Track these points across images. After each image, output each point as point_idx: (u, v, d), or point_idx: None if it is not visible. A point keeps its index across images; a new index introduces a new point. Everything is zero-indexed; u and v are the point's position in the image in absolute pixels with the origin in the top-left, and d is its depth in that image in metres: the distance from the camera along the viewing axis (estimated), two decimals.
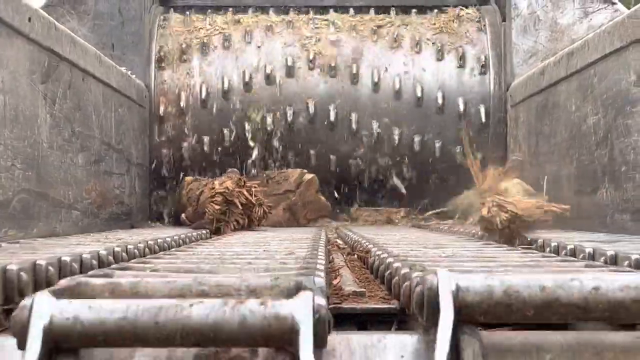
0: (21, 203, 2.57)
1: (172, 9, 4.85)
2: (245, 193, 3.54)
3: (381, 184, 4.61)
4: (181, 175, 4.45)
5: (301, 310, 0.86)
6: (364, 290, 1.60)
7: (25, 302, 0.88)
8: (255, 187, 3.62)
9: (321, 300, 0.89)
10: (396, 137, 4.53)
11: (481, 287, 0.93)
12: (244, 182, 3.62)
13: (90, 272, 1.35)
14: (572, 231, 2.88)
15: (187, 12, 4.79)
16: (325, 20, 4.74)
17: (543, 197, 2.57)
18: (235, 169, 4.06)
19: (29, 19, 2.65)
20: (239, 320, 0.86)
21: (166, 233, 2.87)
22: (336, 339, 0.94)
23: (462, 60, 4.57)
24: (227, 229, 3.44)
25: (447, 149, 4.53)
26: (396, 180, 4.58)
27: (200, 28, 4.67)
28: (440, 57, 4.58)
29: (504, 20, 4.62)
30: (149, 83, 4.54)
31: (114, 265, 1.56)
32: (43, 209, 2.78)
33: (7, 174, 2.47)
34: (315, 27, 4.70)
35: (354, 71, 4.56)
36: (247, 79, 4.55)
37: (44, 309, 0.87)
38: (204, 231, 3.31)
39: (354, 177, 4.61)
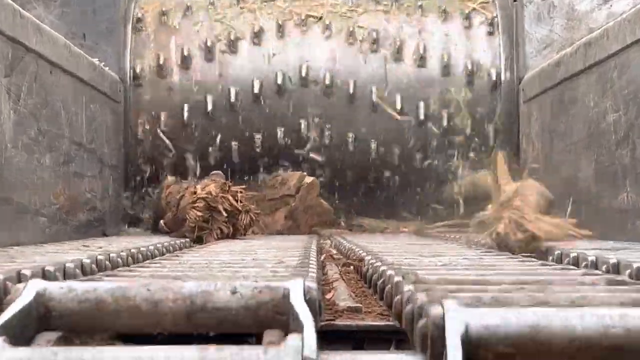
0: None
1: None
2: (230, 199, 3.55)
3: (383, 197, 4.67)
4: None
5: (293, 285, 1.00)
6: (360, 305, 1.62)
7: (19, 285, 1.03)
8: (241, 192, 3.64)
9: (312, 284, 1.01)
10: (396, 157, 4.61)
11: (495, 325, 0.95)
12: (229, 186, 3.63)
13: (77, 279, 1.46)
14: (591, 240, 2.89)
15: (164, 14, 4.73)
16: (320, 18, 4.71)
17: (566, 219, 2.64)
18: (220, 172, 4.06)
19: None
20: (230, 289, 1.01)
21: (148, 241, 2.91)
22: (328, 359, 0.96)
23: (470, 76, 4.62)
24: (210, 238, 3.46)
25: (450, 165, 4.60)
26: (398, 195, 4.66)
27: (179, 45, 4.63)
28: (446, 72, 4.62)
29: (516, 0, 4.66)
30: (124, 76, 4.56)
31: (100, 274, 1.67)
32: (6, 215, 2.77)
33: None
34: (308, 31, 4.68)
35: (351, 90, 4.59)
36: (232, 98, 4.56)
37: (39, 284, 1.02)
38: (184, 240, 3.34)
39: (354, 188, 4.67)
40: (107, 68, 4.20)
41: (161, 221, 3.77)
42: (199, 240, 3.44)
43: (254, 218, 3.66)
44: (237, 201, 3.57)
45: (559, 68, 3.78)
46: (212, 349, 0.90)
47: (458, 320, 0.96)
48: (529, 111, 4.32)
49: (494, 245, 2.64)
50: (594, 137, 3.35)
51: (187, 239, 3.38)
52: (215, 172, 4.07)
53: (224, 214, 3.51)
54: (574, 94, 3.59)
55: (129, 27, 4.65)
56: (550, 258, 2.26)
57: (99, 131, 3.95)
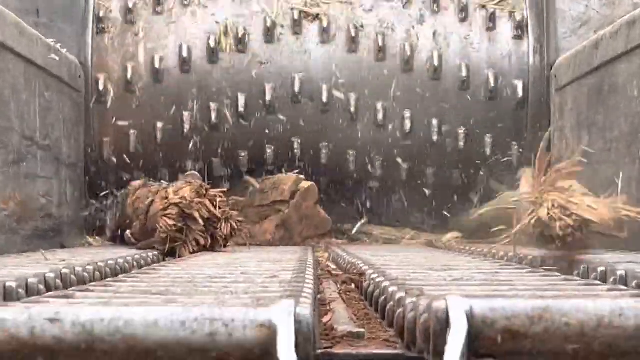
0: None
1: None
2: (208, 204, 3.54)
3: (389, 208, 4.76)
4: None
5: (279, 315, 1.09)
6: (363, 330, 1.61)
7: None
8: (220, 197, 3.63)
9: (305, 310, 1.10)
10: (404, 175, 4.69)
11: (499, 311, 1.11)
12: (207, 189, 3.62)
13: (49, 293, 1.58)
14: (627, 253, 2.94)
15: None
16: (316, 16, 4.69)
17: (619, 199, 2.68)
18: (195, 172, 4.02)
19: None
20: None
21: (117, 254, 2.99)
22: None
23: (492, 92, 4.66)
24: (185, 251, 3.44)
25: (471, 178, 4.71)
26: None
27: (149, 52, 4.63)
28: (465, 86, 4.66)
29: None
30: (85, 59, 4.60)
31: (74, 288, 1.76)
32: None
33: None
34: (301, 35, 4.68)
35: (352, 108, 4.62)
36: (214, 118, 4.57)
37: None
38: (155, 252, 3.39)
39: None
40: (65, 50, 4.22)
41: (127, 232, 3.75)
42: (171, 253, 3.43)
43: (236, 227, 3.65)
44: (215, 207, 3.56)
45: (597, 51, 3.80)
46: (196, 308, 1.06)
47: (461, 307, 1.10)
48: (562, 101, 4.38)
49: (535, 237, 2.68)
50: (638, 132, 3.34)
51: (157, 252, 3.40)
52: (190, 172, 4.02)
53: (201, 222, 3.49)
54: (614, 81, 3.61)
55: (91, 4, 4.68)
56: (576, 273, 2.36)
57: (55, 125, 3.98)
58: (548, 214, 2.52)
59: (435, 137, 4.61)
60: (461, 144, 4.61)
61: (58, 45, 4.07)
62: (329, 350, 1.45)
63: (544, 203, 2.56)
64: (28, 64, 3.57)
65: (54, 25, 4.40)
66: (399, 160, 4.63)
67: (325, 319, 1.78)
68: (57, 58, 3.96)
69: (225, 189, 3.85)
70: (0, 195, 3.27)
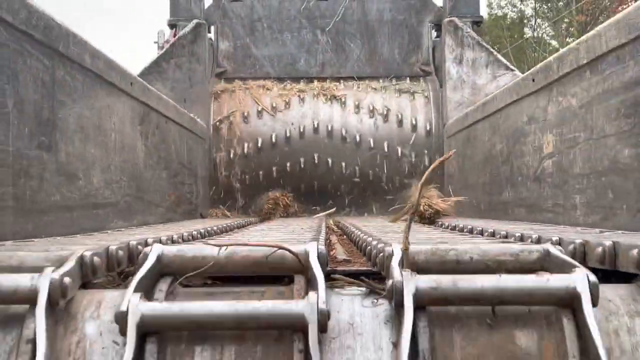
0: (126, 203, 2.56)
1: (222, 80, 4.67)
2: (286, 200, 4.12)
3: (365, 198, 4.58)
4: None
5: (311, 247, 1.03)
6: (350, 258, 1.68)
7: (146, 248, 1.04)
8: (290, 197, 4.20)
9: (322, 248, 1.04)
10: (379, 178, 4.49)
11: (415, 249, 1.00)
12: (285, 194, 4.17)
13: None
14: (482, 219, 2.92)
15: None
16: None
17: (451, 200, 2.89)
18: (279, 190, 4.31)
19: (131, 84, 2.66)
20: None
21: (233, 221, 3.22)
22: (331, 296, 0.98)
23: (414, 128, 4.47)
24: (274, 218, 3.93)
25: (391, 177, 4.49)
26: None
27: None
28: (401, 126, 4.47)
29: (441, 86, 4.55)
30: (208, 123, 4.50)
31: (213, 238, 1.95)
32: (140, 207, 2.76)
33: (117, 185, 2.48)
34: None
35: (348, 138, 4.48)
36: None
37: (159, 248, 1.04)
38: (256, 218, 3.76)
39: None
40: (198, 119, 4.17)
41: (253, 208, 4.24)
42: (268, 219, 3.90)
43: (297, 211, 4.21)
44: (289, 201, 4.12)
45: (467, 118, 3.74)
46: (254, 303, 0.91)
47: (398, 247, 1.02)
48: (450, 143, 4.27)
49: (415, 216, 2.80)
50: (488, 159, 3.30)
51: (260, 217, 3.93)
52: (276, 190, 4.29)
53: (282, 205, 4.06)
54: (476, 133, 3.55)
55: (212, 99, 4.58)
56: (453, 228, 2.38)
57: (194, 157, 3.92)
58: (421, 208, 2.68)
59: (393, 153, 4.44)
60: (410, 156, 4.43)
61: (195, 117, 4.04)
62: (334, 268, 1.46)
63: (420, 203, 2.68)
64: (180, 127, 3.52)
65: (193, 108, 4.26)
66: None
67: (331, 253, 1.82)
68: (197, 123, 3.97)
69: (292, 194, 4.22)
70: (167, 193, 3.22)
